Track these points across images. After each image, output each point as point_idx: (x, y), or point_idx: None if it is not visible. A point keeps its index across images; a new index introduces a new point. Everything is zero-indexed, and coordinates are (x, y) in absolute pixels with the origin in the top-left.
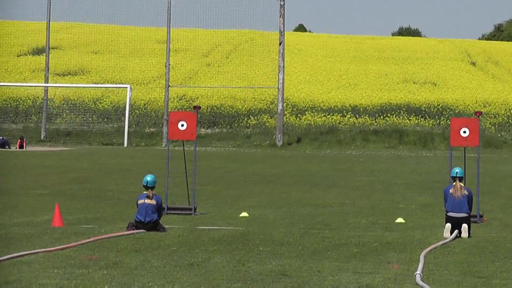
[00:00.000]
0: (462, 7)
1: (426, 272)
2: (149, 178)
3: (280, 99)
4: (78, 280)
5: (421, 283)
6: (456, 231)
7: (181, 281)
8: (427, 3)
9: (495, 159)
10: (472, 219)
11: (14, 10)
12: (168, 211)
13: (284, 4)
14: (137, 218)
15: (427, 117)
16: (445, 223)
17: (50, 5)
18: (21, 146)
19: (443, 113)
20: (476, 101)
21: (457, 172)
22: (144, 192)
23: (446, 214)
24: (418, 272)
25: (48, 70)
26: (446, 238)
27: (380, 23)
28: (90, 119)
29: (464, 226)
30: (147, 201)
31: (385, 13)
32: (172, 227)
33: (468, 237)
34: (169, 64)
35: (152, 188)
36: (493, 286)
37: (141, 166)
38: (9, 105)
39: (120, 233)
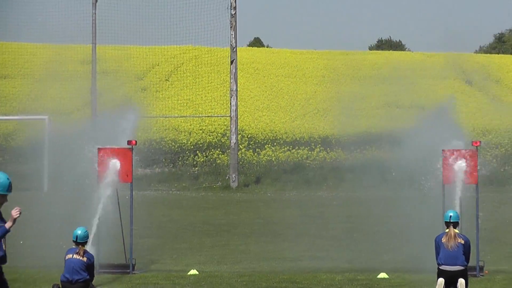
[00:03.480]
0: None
1: None
2: (79, 231)
3: (233, 130)
4: None
5: None
6: None
7: None
8: (412, 10)
9: (498, 198)
10: (470, 273)
11: None
12: (100, 270)
13: (235, 13)
14: (64, 277)
15: (415, 149)
16: (437, 278)
17: None
18: None
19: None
20: (474, 129)
21: (450, 216)
22: (73, 247)
23: (438, 268)
24: None
25: None
26: None
27: (354, 35)
28: (1, 158)
29: (461, 281)
30: (76, 256)
31: (361, 23)
32: None
33: None
34: (96, 90)
35: (83, 244)
36: None
37: (66, 215)
38: None
39: None
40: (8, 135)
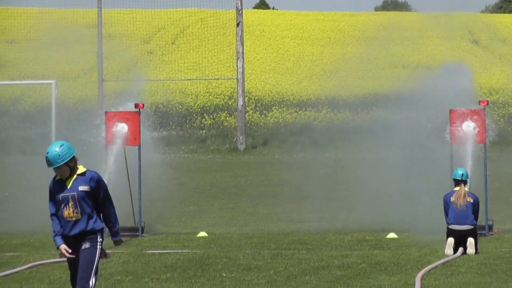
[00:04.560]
0: None
1: None
2: None
3: (240, 92)
4: None
5: None
6: (460, 248)
7: None
8: None
9: (506, 158)
10: (479, 232)
11: None
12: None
13: None
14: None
15: (422, 110)
16: (447, 238)
17: None
18: None
19: (441, 103)
20: (481, 88)
21: (462, 174)
22: None
23: (447, 227)
24: None
25: None
26: (448, 256)
27: None
28: (8, 123)
29: (470, 240)
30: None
31: None
32: (115, 252)
33: (475, 253)
34: (102, 54)
35: None
36: None
37: None
38: None
39: (53, 260)
40: (16, 100)
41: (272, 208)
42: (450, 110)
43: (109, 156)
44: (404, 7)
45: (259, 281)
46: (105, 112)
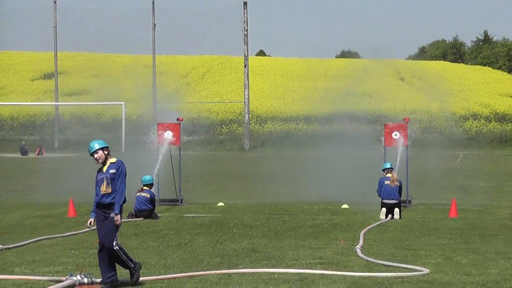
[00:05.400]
0: (391, 32)
1: (366, 247)
2: (147, 177)
3: (246, 111)
4: (91, 258)
5: (361, 255)
6: (390, 215)
7: (172, 257)
8: (364, 30)
9: (421, 156)
10: (402, 204)
11: (24, 41)
12: (160, 203)
13: (247, 33)
14: (136, 208)
15: (365, 123)
16: (381, 208)
17: (56, 37)
18: (39, 153)
19: (378, 119)
20: (405, 110)
21: (390, 164)
22: (142, 187)
23: (381, 201)
24: (358, 246)
25: (58, 91)
26: (381, 220)
27: (326, 47)
28: (93, 130)
29: (396, 210)
30: (143, 194)
31: (330, 39)
32: (163, 215)
33: (399, 218)
34: (155, 84)
35: (148, 185)
36: (420, 256)
37: (140, 167)
38: (27, 121)
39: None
40: (98, 115)
41: (266, 187)
42: (384, 124)
43: (160, 152)
44: (355, 55)
45: (257, 235)
46: (158, 123)
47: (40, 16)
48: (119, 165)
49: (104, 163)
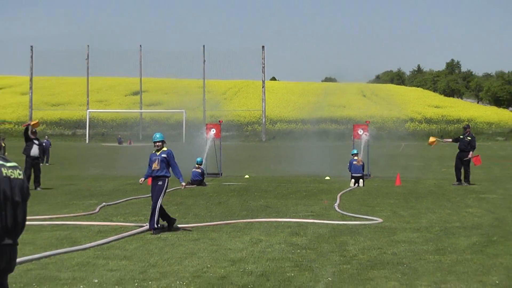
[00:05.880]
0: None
1: (341, 204)
2: (199, 159)
3: (263, 116)
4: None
5: (338, 210)
6: (357, 184)
7: (216, 211)
8: (340, 62)
9: (377, 145)
10: (364, 177)
11: (121, 69)
12: (207, 175)
13: (264, 66)
14: (192, 178)
15: (340, 124)
16: (351, 179)
17: (141, 68)
18: (130, 143)
19: (349, 122)
20: (366, 115)
21: (356, 150)
22: (196, 166)
23: (351, 175)
24: (336, 204)
25: (142, 103)
26: (351, 187)
27: (312, 73)
28: (164, 128)
29: (361, 180)
30: (196, 170)
31: (315, 65)
32: (209, 183)
33: (363, 186)
34: (205, 99)
35: (200, 164)
36: (376, 211)
37: (195, 152)
38: (122, 122)
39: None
40: (167, 118)
41: (276, 166)
42: (353, 125)
43: (208, 143)
44: (334, 80)
45: (270, 196)
46: (206, 124)
47: (131, 54)
48: (169, 152)
49: (158, 150)
